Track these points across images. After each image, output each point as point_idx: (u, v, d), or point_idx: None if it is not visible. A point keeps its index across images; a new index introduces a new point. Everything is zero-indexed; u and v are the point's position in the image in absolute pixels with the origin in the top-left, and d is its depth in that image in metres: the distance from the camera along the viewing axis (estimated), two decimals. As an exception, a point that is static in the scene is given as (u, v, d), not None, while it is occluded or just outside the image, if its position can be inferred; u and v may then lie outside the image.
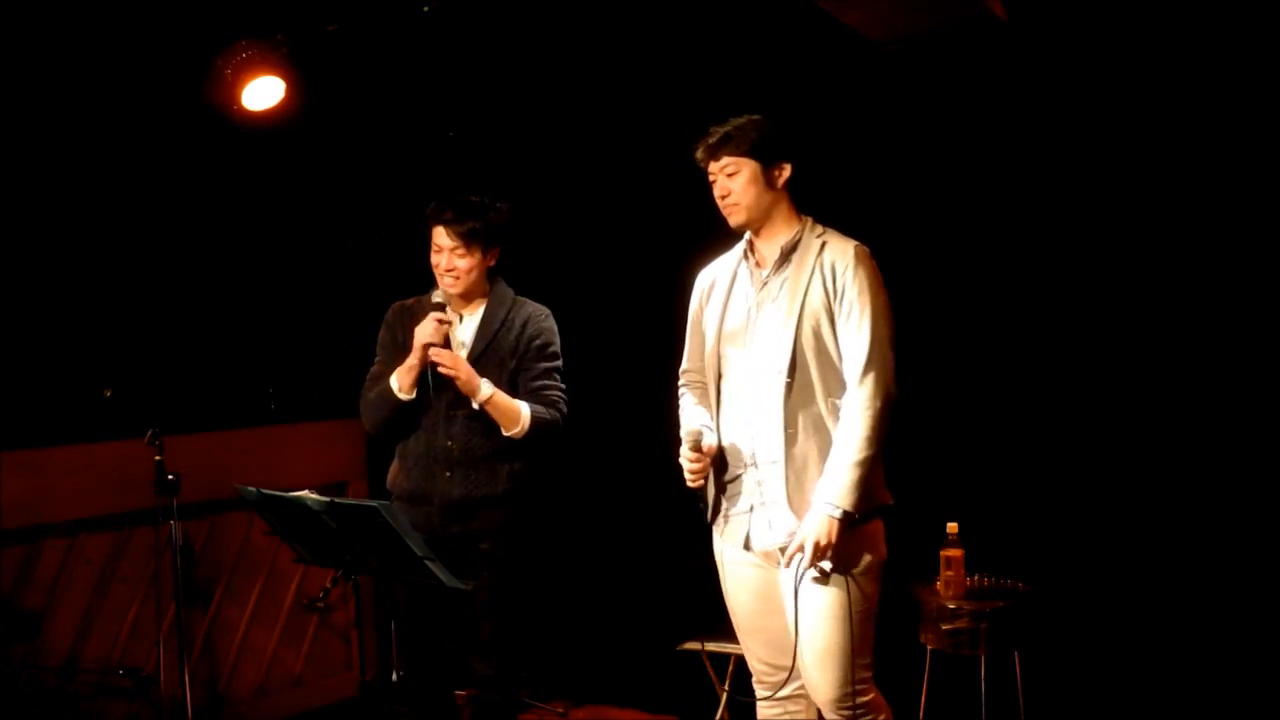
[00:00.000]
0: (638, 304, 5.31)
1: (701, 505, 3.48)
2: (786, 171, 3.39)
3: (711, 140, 3.38)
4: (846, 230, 3.48)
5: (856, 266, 3.30)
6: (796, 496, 3.28)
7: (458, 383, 3.93)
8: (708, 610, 4.70)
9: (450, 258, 3.98)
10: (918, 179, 4.59)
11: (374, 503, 3.71)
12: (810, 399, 3.29)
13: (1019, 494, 4.42)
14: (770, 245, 3.43)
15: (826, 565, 3.23)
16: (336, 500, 3.79)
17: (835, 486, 3.21)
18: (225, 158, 5.18)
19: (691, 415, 3.50)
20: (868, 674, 3.35)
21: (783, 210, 3.42)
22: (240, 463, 4.90)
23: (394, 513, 3.68)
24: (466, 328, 4.08)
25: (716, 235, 4.99)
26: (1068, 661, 4.34)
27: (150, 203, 5.09)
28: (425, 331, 3.93)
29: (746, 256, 3.47)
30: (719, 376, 3.44)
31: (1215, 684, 4.16)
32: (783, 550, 3.31)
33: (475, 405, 3.94)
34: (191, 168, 5.16)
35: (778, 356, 3.31)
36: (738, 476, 3.41)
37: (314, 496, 3.82)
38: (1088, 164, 4.36)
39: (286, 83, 4.82)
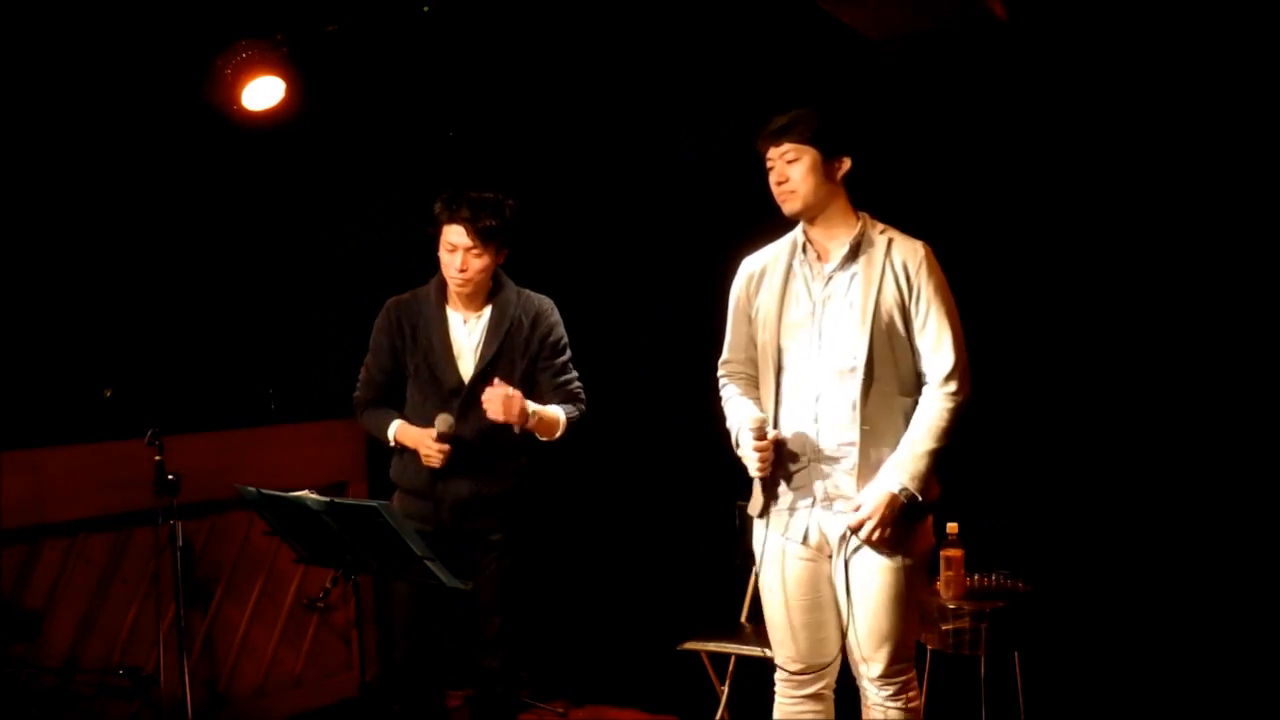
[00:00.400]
0: (638, 304, 5.32)
1: (742, 504, 3.50)
2: (846, 165, 3.39)
3: (774, 125, 3.37)
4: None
5: (929, 265, 3.35)
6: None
7: (514, 420, 3.81)
8: (708, 610, 4.72)
9: (465, 257, 3.86)
10: (917, 179, 4.59)
11: (374, 503, 3.71)
12: (884, 395, 3.32)
13: (1019, 494, 4.42)
14: (830, 239, 3.42)
15: (875, 535, 3.27)
16: (336, 500, 3.79)
17: (904, 469, 3.27)
18: (225, 158, 5.18)
19: (741, 406, 3.49)
20: (912, 653, 3.43)
21: (839, 204, 3.42)
22: (240, 463, 4.89)
23: (394, 513, 3.68)
24: (474, 330, 4.00)
25: (716, 234, 5.01)
26: (1068, 661, 4.34)
27: (150, 203, 5.09)
28: (437, 456, 3.87)
29: (804, 250, 3.44)
30: (779, 370, 3.42)
31: (1215, 684, 4.15)
32: (843, 537, 3.33)
33: (516, 430, 3.85)
34: (192, 168, 5.16)
35: (852, 354, 3.32)
36: (800, 470, 3.40)
37: (314, 496, 3.82)
38: (1087, 164, 4.36)
39: (286, 83, 4.82)
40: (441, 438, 3.87)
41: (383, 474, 4.32)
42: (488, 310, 3.99)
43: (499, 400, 3.77)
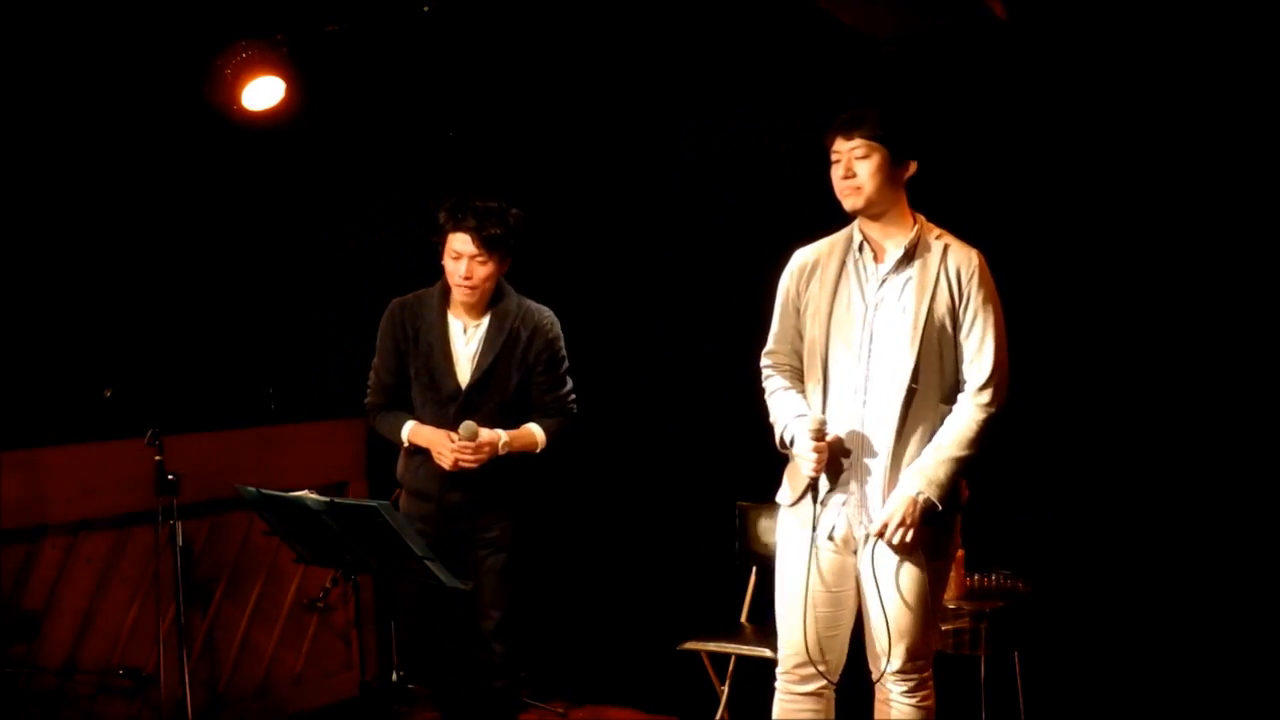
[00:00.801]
0: (639, 304, 5.32)
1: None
2: (912, 169, 3.39)
3: (848, 118, 3.35)
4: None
5: (981, 275, 3.35)
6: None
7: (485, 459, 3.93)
8: (708, 610, 4.72)
9: (470, 265, 3.90)
10: (916, 179, 4.58)
11: (374, 503, 3.71)
12: (926, 401, 3.32)
13: (1019, 494, 4.42)
14: (886, 239, 3.40)
15: (897, 539, 3.27)
16: (336, 500, 3.79)
17: (924, 475, 3.27)
18: (225, 158, 5.18)
19: (788, 401, 3.47)
20: (930, 654, 3.44)
21: (900, 206, 3.41)
22: (240, 463, 4.89)
23: (394, 513, 3.68)
24: (472, 341, 4.03)
25: (714, 234, 5.01)
26: (1068, 661, 4.34)
27: (150, 203, 5.09)
28: (450, 459, 3.93)
29: (861, 249, 3.42)
30: (825, 368, 3.42)
31: (1215, 684, 4.15)
32: (868, 536, 3.34)
33: (500, 450, 3.96)
34: (192, 168, 5.16)
35: (902, 361, 3.31)
36: (839, 469, 3.39)
37: (314, 496, 3.82)
38: (1087, 164, 4.36)
39: (286, 83, 4.83)
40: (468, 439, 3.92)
41: (383, 474, 4.32)
42: (487, 319, 4.03)
43: (469, 452, 3.90)
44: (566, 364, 4.14)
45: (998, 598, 4.05)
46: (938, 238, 3.39)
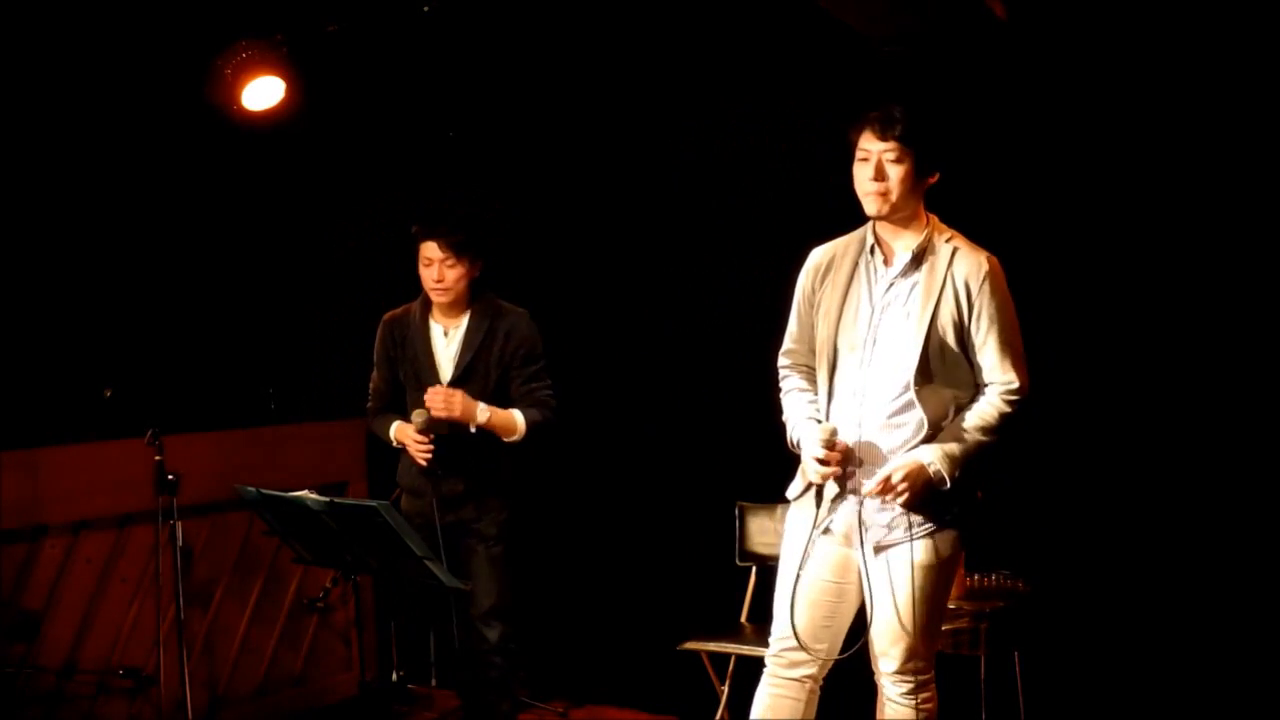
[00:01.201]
0: (639, 304, 5.32)
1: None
2: (934, 180, 3.35)
3: (882, 117, 3.28)
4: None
5: (992, 283, 3.30)
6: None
7: (458, 417, 4.07)
8: (708, 610, 4.72)
9: (440, 269, 4.13)
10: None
11: (374, 503, 3.72)
12: (931, 408, 3.30)
13: (1019, 494, 4.42)
14: (897, 242, 3.37)
15: (889, 494, 3.24)
16: (336, 500, 3.80)
17: (941, 448, 3.25)
18: (225, 158, 5.19)
19: (800, 405, 3.46)
20: (930, 656, 3.41)
21: (918, 212, 3.38)
22: (240, 463, 4.89)
23: (394, 513, 3.69)
24: (452, 342, 4.24)
25: (714, 234, 5.01)
26: (1068, 661, 4.34)
27: (150, 203, 5.10)
28: (421, 455, 4.11)
29: (873, 251, 3.40)
30: (832, 369, 3.41)
31: (1215, 684, 4.15)
32: (877, 551, 3.33)
33: (473, 429, 4.09)
34: (192, 168, 5.16)
35: (904, 366, 3.29)
36: (841, 472, 3.38)
37: (314, 496, 3.83)
38: (1087, 164, 4.36)
39: (286, 83, 4.83)
40: (421, 431, 4.08)
41: (383, 474, 4.35)
42: (465, 320, 4.24)
43: (439, 397, 4.06)
44: (544, 363, 4.26)
45: (998, 598, 4.05)
46: (948, 241, 3.36)
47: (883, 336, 3.34)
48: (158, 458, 4.45)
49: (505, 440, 4.15)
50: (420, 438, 4.08)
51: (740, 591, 4.65)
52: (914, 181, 3.31)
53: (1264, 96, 4.04)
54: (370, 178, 5.48)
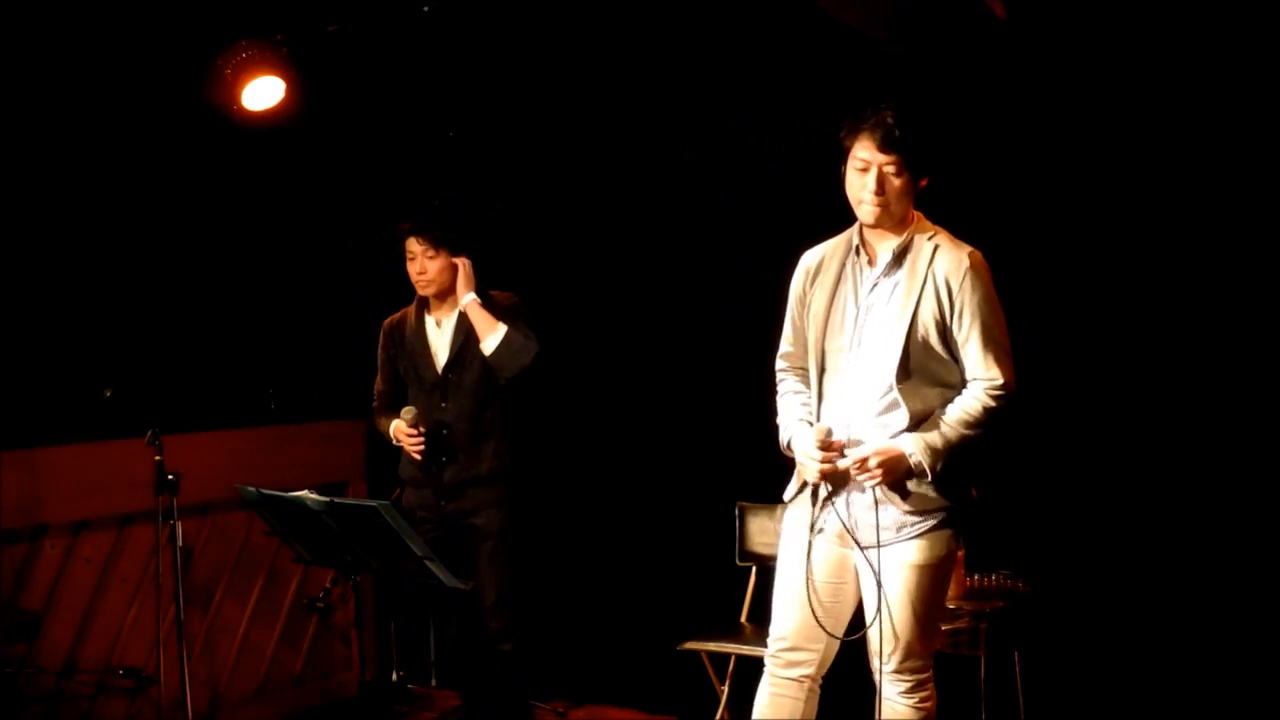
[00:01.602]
0: (640, 304, 5.32)
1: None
2: (925, 183, 3.35)
3: (887, 132, 3.25)
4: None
5: (973, 279, 3.29)
6: (895, 497, 3.31)
7: (458, 281, 4.34)
8: (708, 610, 4.72)
9: (422, 262, 4.34)
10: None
11: (374, 503, 3.72)
12: (916, 406, 3.30)
13: (1019, 494, 4.42)
14: (880, 242, 3.38)
15: (863, 478, 3.25)
16: (336, 500, 3.80)
17: (923, 439, 3.25)
18: (225, 158, 5.19)
19: (794, 406, 3.48)
20: (928, 654, 3.41)
21: (907, 213, 3.38)
22: (240, 463, 4.89)
23: (394, 513, 3.69)
24: (445, 331, 4.42)
25: (713, 234, 5.01)
26: (1068, 661, 4.34)
27: (151, 203, 5.10)
28: (412, 447, 4.32)
29: (858, 252, 3.41)
30: (821, 370, 3.42)
31: (1215, 684, 4.15)
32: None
33: (460, 306, 4.34)
34: (192, 168, 5.16)
35: (887, 365, 3.30)
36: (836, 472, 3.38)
37: (314, 496, 3.83)
38: (1087, 164, 4.36)
39: (286, 83, 4.83)
40: (412, 426, 4.30)
41: (383, 474, 4.38)
42: (456, 312, 4.42)
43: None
44: (529, 318, 4.39)
45: (998, 598, 4.05)
46: (930, 238, 3.36)
47: (868, 336, 3.35)
48: (158, 458, 4.45)
49: (483, 343, 4.29)
50: (410, 431, 4.28)
51: (740, 591, 4.65)
52: (910, 190, 3.32)
53: (1263, 92, 4.04)
54: (370, 178, 5.47)
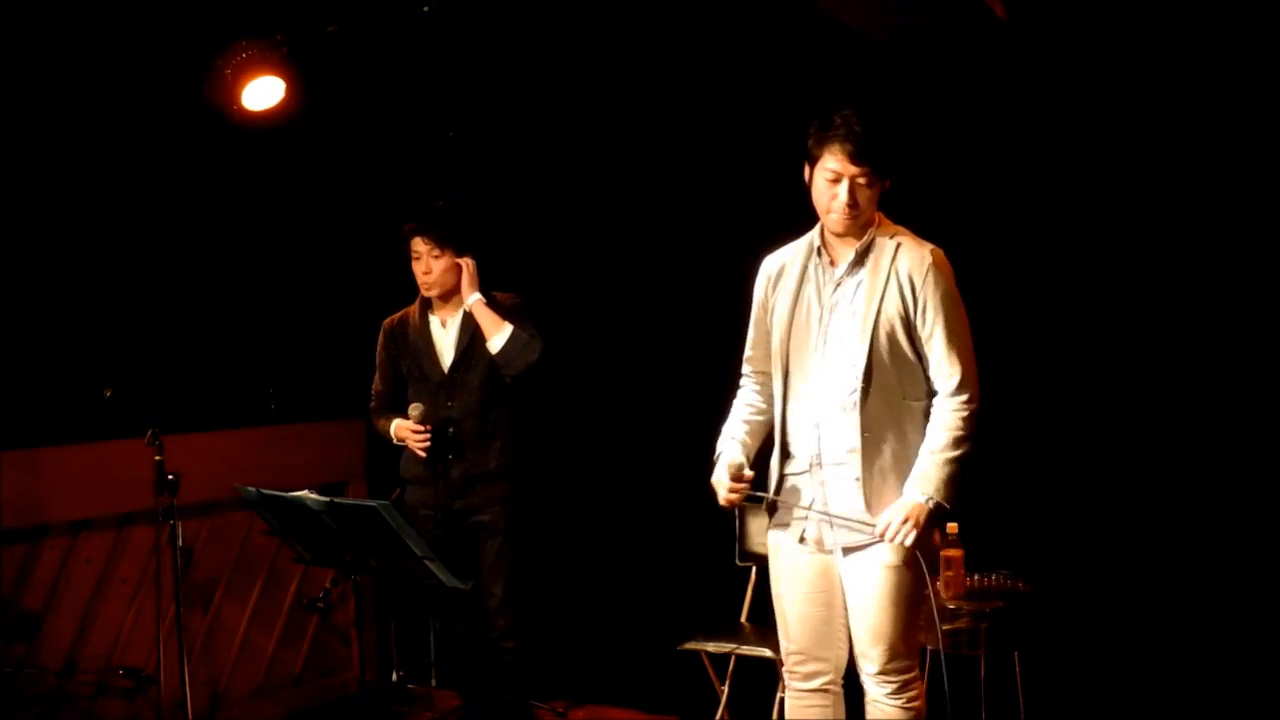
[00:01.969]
0: (640, 304, 5.32)
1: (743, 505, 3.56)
2: (888, 185, 3.37)
3: (863, 144, 3.26)
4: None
5: (935, 275, 3.32)
6: (875, 499, 3.33)
7: (462, 281, 4.38)
8: (708, 610, 4.72)
9: (427, 262, 4.37)
10: (916, 179, 4.58)
11: (374, 503, 3.72)
12: (886, 403, 3.32)
13: (1019, 494, 4.42)
14: (843, 243, 3.40)
15: (901, 538, 3.27)
16: (336, 500, 3.80)
17: (929, 478, 3.27)
18: (225, 158, 5.18)
19: (733, 422, 3.54)
20: (913, 652, 3.42)
21: (871, 215, 3.41)
22: (240, 463, 4.89)
23: (394, 513, 3.69)
24: (450, 331, 4.45)
25: (713, 233, 5.01)
26: (1068, 661, 4.34)
27: (150, 203, 5.09)
28: (417, 444, 4.34)
29: (820, 254, 3.43)
30: (786, 373, 3.44)
31: (1215, 684, 4.15)
32: (846, 552, 3.35)
33: (465, 306, 4.37)
34: (191, 168, 5.16)
35: (853, 363, 3.32)
36: (802, 472, 3.43)
37: (314, 496, 3.83)
38: (1087, 164, 4.36)
39: (286, 83, 4.82)
40: (419, 422, 4.33)
41: (383, 474, 4.38)
42: (460, 312, 4.45)
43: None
44: (533, 323, 4.41)
45: (998, 598, 4.05)
46: (892, 237, 3.38)
47: (833, 336, 3.37)
48: (158, 458, 4.45)
49: (489, 341, 4.32)
50: (418, 427, 4.31)
51: (740, 591, 4.64)
52: (878, 197, 3.36)
53: (1262, 94, 4.04)
54: (370, 178, 5.47)
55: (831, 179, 3.30)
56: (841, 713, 3.51)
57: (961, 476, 3.31)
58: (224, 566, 5.06)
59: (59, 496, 4.57)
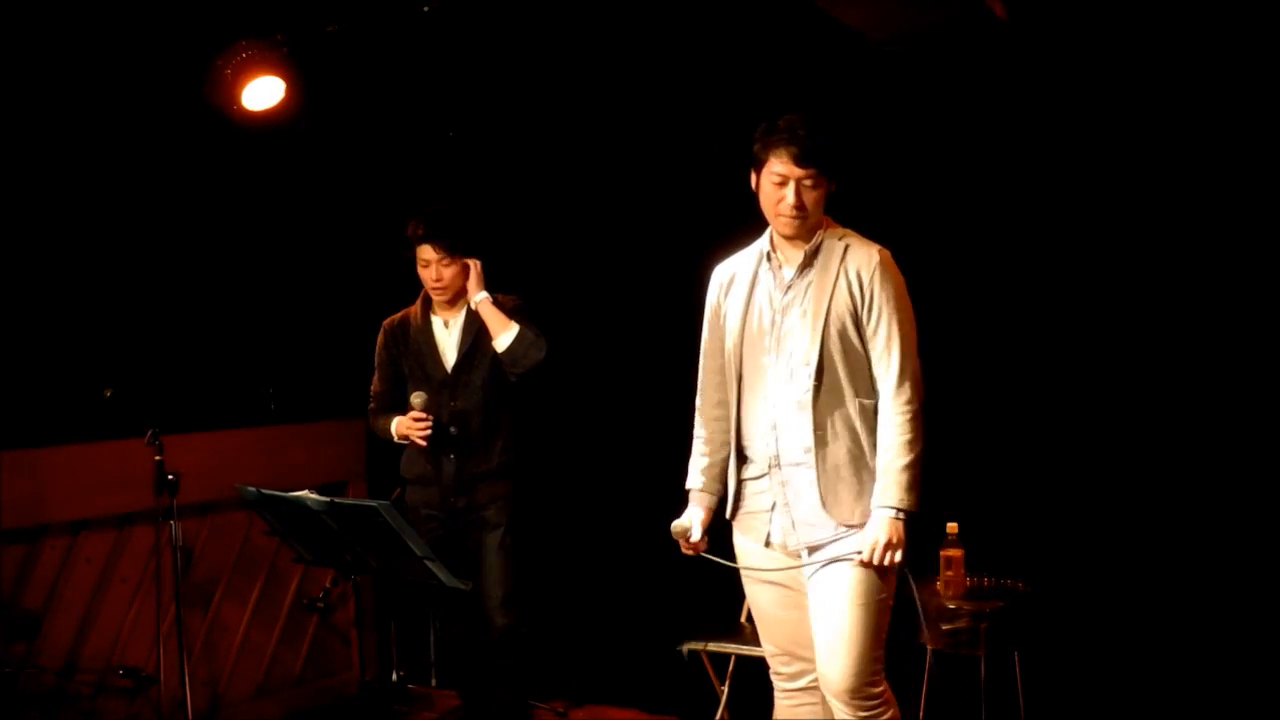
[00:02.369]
0: (637, 304, 5.31)
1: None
2: (834, 188, 3.40)
3: (806, 146, 3.30)
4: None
5: (883, 273, 3.34)
6: (830, 497, 3.33)
7: (469, 281, 4.39)
8: (708, 610, 4.72)
9: (437, 269, 4.36)
10: (916, 179, 4.59)
11: (374, 503, 3.72)
12: (839, 401, 3.34)
13: (1019, 494, 4.42)
14: (792, 246, 3.43)
15: (888, 560, 3.27)
16: (336, 500, 3.80)
17: (892, 490, 3.27)
18: (225, 158, 5.18)
19: (694, 471, 3.59)
20: (879, 665, 3.38)
21: (819, 219, 3.43)
22: (240, 463, 4.90)
23: (394, 513, 3.69)
24: (453, 331, 4.45)
25: (720, 233, 5.00)
26: (1068, 661, 4.34)
27: (151, 203, 5.09)
28: (417, 432, 4.32)
29: (769, 258, 3.47)
30: (740, 378, 3.46)
31: (1215, 683, 4.15)
32: (810, 550, 3.36)
33: (472, 305, 4.38)
34: (192, 168, 5.16)
35: (804, 362, 3.34)
36: (760, 476, 3.44)
37: (314, 496, 3.83)
38: (1087, 164, 4.36)
39: (286, 83, 4.82)
40: (423, 410, 4.32)
41: (383, 474, 4.37)
42: (464, 310, 4.45)
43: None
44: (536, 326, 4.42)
45: (997, 598, 4.05)
46: (840, 238, 3.41)
47: (786, 338, 3.40)
48: (158, 458, 4.46)
49: (495, 339, 4.34)
50: (420, 415, 4.29)
51: (740, 591, 4.62)
52: (824, 200, 3.38)
53: (1263, 93, 4.04)
54: (370, 178, 5.47)
55: (778, 182, 3.35)
56: (830, 711, 3.50)
57: (922, 477, 3.31)
58: (224, 566, 5.06)
59: (59, 496, 4.57)
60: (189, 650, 4.67)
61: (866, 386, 3.36)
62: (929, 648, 4.08)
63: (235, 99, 4.75)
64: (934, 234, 4.56)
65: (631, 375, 5.30)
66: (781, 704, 3.57)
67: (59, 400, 4.78)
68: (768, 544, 3.46)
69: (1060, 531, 4.39)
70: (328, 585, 5.20)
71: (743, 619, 4.62)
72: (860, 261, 3.36)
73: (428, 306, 4.50)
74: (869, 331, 3.34)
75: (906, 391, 3.30)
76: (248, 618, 5.13)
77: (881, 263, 3.36)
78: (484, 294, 4.37)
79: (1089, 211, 4.38)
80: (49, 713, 4.53)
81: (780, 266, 3.45)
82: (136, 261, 5.05)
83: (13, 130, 4.64)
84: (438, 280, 4.37)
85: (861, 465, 3.34)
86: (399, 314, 4.55)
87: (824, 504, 3.33)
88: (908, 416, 3.29)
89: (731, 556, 3.60)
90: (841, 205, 3.59)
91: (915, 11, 4.28)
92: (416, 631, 5.49)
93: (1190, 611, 4.22)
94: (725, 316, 3.52)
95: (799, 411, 3.35)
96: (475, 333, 4.41)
